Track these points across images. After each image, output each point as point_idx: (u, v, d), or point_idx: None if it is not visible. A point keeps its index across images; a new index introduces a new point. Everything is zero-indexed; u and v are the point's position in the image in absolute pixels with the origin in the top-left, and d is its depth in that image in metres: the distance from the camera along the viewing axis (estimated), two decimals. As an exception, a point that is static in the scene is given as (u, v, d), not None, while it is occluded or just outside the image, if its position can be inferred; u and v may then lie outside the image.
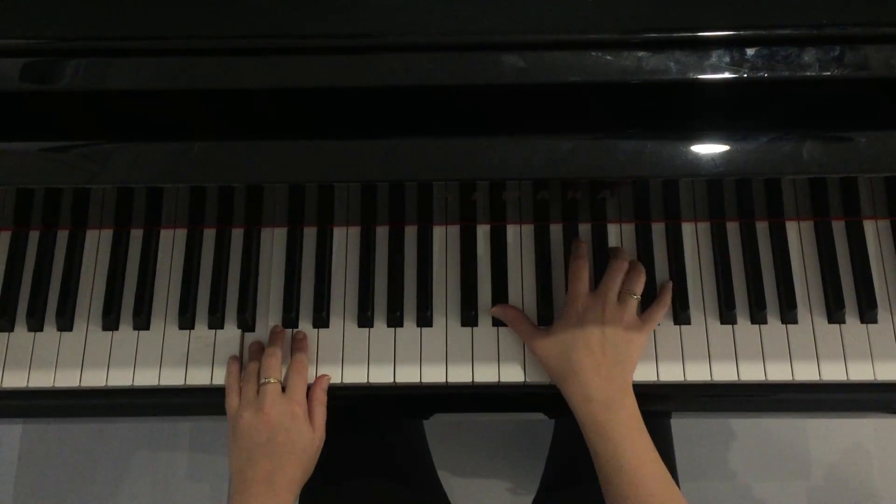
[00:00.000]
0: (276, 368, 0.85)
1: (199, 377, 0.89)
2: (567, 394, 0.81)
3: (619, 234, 0.93)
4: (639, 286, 0.86)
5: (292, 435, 0.81)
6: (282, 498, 0.79)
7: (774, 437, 1.63)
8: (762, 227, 0.92)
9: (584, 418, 0.80)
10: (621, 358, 0.81)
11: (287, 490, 0.80)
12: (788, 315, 0.88)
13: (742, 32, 0.70)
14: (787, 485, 1.60)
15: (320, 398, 0.86)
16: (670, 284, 0.89)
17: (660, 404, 0.91)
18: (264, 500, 0.78)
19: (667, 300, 0.88)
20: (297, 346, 0.88)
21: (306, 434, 0.82)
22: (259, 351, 0.88)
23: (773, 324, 0.89)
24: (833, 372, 0.87)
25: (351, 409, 0.92)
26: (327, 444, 1.04)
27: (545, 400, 0.89)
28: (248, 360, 0.88)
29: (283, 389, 0.85)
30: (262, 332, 0.90)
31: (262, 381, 0.84)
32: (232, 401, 0.85)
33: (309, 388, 0.86)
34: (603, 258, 0.91)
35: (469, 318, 0.90)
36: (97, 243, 0.94)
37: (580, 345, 0.81)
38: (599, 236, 0.92)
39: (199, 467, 1.65)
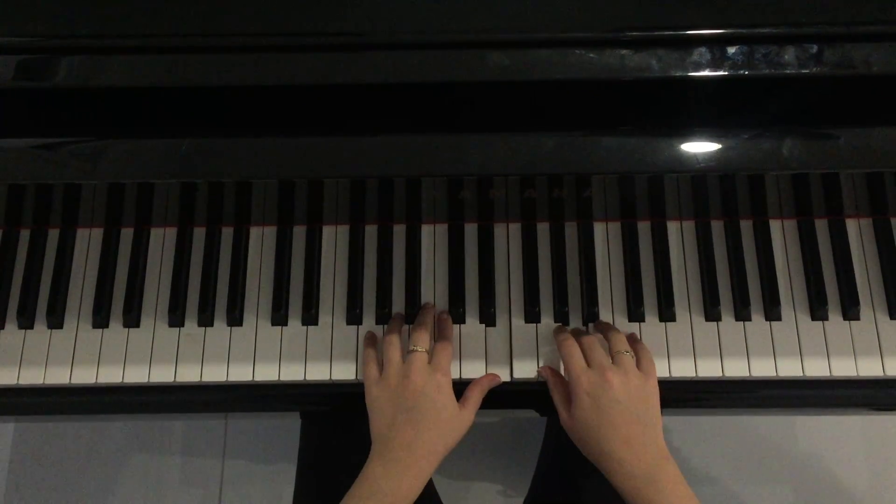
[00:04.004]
0: (426, 339, 0.85)
1: (189, 374, 0.89)
2: (607, 472, 0.80)
3: (605, 233, 0.94)
4: (623, 343, 0.84)
5: (437, 405, 0.81)
6: (420, 466, 0.79)
7: (762, 439, 1.64)
8: (746, 226, 0.93)
9: (629, 496, 0.78)
10: (647, 420, 0.80)
11: (426, 458, 0.79)
12: (772, 312, 0.90)
13: (723, 31, 0.71)
14: (775, 488, 1.61)
15: (483, 385, 0.86)
16: (635, 335, 0.90)
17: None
18: (403, 466, 0.78)
19: (644, 346, 0.87)
20: (441, 325, 0.89)
21: (450, 407, 0.82)
22: (399, 323, 0.89)
23: (757, 321, 0.90)
24: (816, 368, 0.88)
25: (344, 407, 0.93)
26: (319, 443, 1.05)
27: (536, 397, 0.90)
28: (385, 332, 0.88)
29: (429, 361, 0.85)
30: (250, 329, 0.91)
31: (410, 348, 0.84)
32: (371, 369, 0.85)
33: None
34: (591, 257, 0.92)
35: (457, 315, 0.91)
36: (88, 242, 0.95)
37: (604, 424, 0.79)
38: (586, 235, 0.93)
39: (191, 472, 1.65)
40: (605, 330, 0.88)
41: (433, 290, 0.93)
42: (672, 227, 0.94)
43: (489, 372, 0.89)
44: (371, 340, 0.89)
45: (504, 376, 0.89)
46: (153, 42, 0.72)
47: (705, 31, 0.71)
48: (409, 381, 0.81)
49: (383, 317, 0.91)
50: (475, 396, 0.85)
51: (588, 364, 0.83)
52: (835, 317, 0.90)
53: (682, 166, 0.73)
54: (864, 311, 0.90)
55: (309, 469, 1.05)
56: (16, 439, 1.67)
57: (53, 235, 0.95)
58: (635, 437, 0.79)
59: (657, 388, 0.83)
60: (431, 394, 0.81)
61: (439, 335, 0.89)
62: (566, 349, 0.84)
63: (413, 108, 0.76)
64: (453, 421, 0.82)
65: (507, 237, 0.94)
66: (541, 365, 0.89)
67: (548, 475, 1.08)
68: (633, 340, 0.88)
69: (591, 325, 0.91)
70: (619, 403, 0.79)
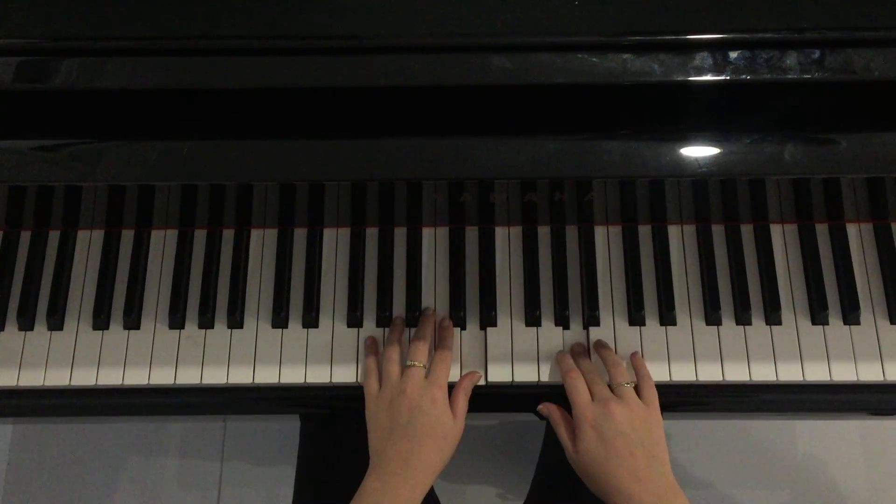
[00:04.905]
0: (424, 353, 0.86)
1: (189, 377, 0.89)
2: None
3: (605, 237, 0.94)
4: (623, 374, 0.85)
5: (431, 419, 0.81)
6: (417, 479, 0.79)
7: (761, 442, 1.64)
8: (747, 230, 0.93)
9: None
10: (653, 452, 0.80)
11: (423, 472, 0.80)
12: (773, 316, 0.90)
13: (725, 36, 0.71)
14: (774, 491, 1.61)
15: (466, 388, 0.86)
16: (639, 354, 0.89)
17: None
18: (400, 480, 0.79)
19: (646, 371, 0.87)
20: (442, 334, 0.89)
21: (446, 420, 0.83)
22: (400, 332, 0.90)
23: (758, 325, 0.90)
24: (816, 373, 0.88)
25: (344, 409, 0.93)
26: (319, 445, 1.05)
27: (536, 400, 0.90)
28: (386, 343, 0.89)
29: (426, 375, 0.85)
30: (250, 331, 0.91)
31: (408, 363, 0.85)
32: (371, 382, 0.86)
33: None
34: (592, 261, 0.92)
35: (457, 319, 0.91)
36: (88, 243, 0.95)
37: (610, 458, 0.79)
38: (587, 239, 0.93)
39: (189, 474, 1.65)
40: (604, 357, 0.87)
41: (434, 293, 0.93)
42: (673, 231, 0.94)
43: (490, 374, 0.89)
44: (372, 349, 0.89)
45: (506, 378, 0.89)
46: (154, 44, 0.72)
47: (707, 35, 0.71)
48: (405, 396, 0.82)
49: (384, 319, 0.91)
50: (462, 403, 0.85)
51: (592, 395, 0.83)
52: (835, 321, 0.90)
53: (683, 170, 0.73)
54: (865, 315, 0.90)
55: (308, 472, 1.05)
56: (14, 440, 1.67)
57: (54, 237, 0.95)
58: (642, 469, 0.78)
59: (661, 417, 0.83)
60: (426, 408, 0.82)
61: (439, 345, 0.89)
62: (570, 382, 0.84)
63: (415, 112, 0.76)
64: (449, 434, 0.83)
65: (508, 240, 0.94)
66: (546, 368, 0.89)
67: (547, 480, 1.08)
68: (636, 362, 0.88)
69: (590, 328, 0.91)
70: (624, 435, 0.79)
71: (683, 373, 0.88)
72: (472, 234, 0.94)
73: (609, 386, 0.84)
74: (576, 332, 0.91)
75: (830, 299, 0.90)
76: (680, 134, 0.73)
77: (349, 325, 0.91)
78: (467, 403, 0.86)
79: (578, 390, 0.83)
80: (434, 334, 0.90)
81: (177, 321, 0.91)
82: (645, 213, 0.93)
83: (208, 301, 0.92)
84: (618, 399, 0.82)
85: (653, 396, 0.84)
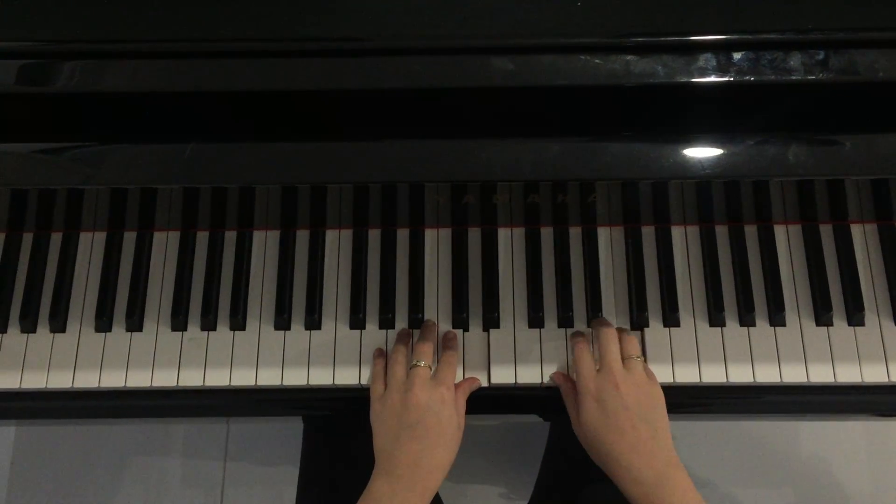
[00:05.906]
0: (429, 354, 0.85)
1: (191, 379, 0.89)
2: (615, 478, 0.79)
3: (609, 238, 0.94)
4: (635, 347, 0.84)
5: (441, 419, 0.80)
6: (427, 481, 0.78)
7: (765, 443, 1.64)
8: (751, 231, 0.93)
9: (637, 502, 0.77)
10: (655, 425, 0.79)
11: (432, 473, 0.78)
12: (776, 318, 0.89)
13: (729, 37, 0.71)
14: (777, 491, 1.61)
15: (465, 391, 0.86)
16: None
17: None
18: (409, 483, 0.77)
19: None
20: (447, 343, 0.89)
21: (455, 420, 0.82)
22: (405, 337, 0.89)
23: (762, 326, 0.90)
24: (821, 374, 0.87)
25: (346, 411, 0.92)
26: (322, 447, 1.05)
27: (540, 402, 0.90)
28: (392, 346, 0.88)
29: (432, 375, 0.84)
30: (253, 333, 0.91)
31: (413, 363, 0.84)
32: (377, 385, 0.85)
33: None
34: (595, 262, 0.92)
35: (460, 320, 0.91)
36: (90, 245, 0.94)
37: (611, 429, 0.78)
38: (590, 240, 0.93)
39: (192, 473, 1.65)
40: (620, 330, 0.87)
41: (436, 294, 0.92)
42: (676, 232, 0.93)
43: (493, 376, 0.89)
44: (380, 356, 0.89)
45: (509, 380, 0.89)
46: (156, 47, 0.72)
47: (710, 36, 0.71)
48: (412, 395, 0.81)
49: (386, 321, 0.91)
50: (463, 405, 0.85)
51: (599, 365, 0.82)
52: (839, 322, 0.89)
53: (687, 173, 0.72)
54: (869, 316, 0.90)
55: (311, 473, 1.05)
56: (18, 441, 1.67)
57: (56, 239, 0.94)
58: (643, 442, 0.78)
59: (662, 393, 0.83)
60: (436, 408, 0.80)
61: (445, 348, 0.88)
62: (577, 353, 0.84)
63: (417, 114, 0.75)
64: (456, 434, 0.82)
65: (511, 242, 0.94)
66: (549, 370, 0.89)
67: (551, 480, 1.08)
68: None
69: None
70: (627, 409, 0.79)
71: (687, 374, 0.88)
72: (474, 236, 0.94)
73: None
74: (579, 334, 0.91)
75: (835, 300, 0.90)
76: (684, 136, 0.73)
77: (352, 327, 0.91)
78: (465, 404, 0.85)
79: (584, 361, 0.83)
80: (437, 338, 0.90)
81: (179, 323, 0.91)
82: (648, 215, 0.93)
83: (210, 303, 0.91)
84: (623, 371, 0.81)
85: (652, 373, 0.84)
